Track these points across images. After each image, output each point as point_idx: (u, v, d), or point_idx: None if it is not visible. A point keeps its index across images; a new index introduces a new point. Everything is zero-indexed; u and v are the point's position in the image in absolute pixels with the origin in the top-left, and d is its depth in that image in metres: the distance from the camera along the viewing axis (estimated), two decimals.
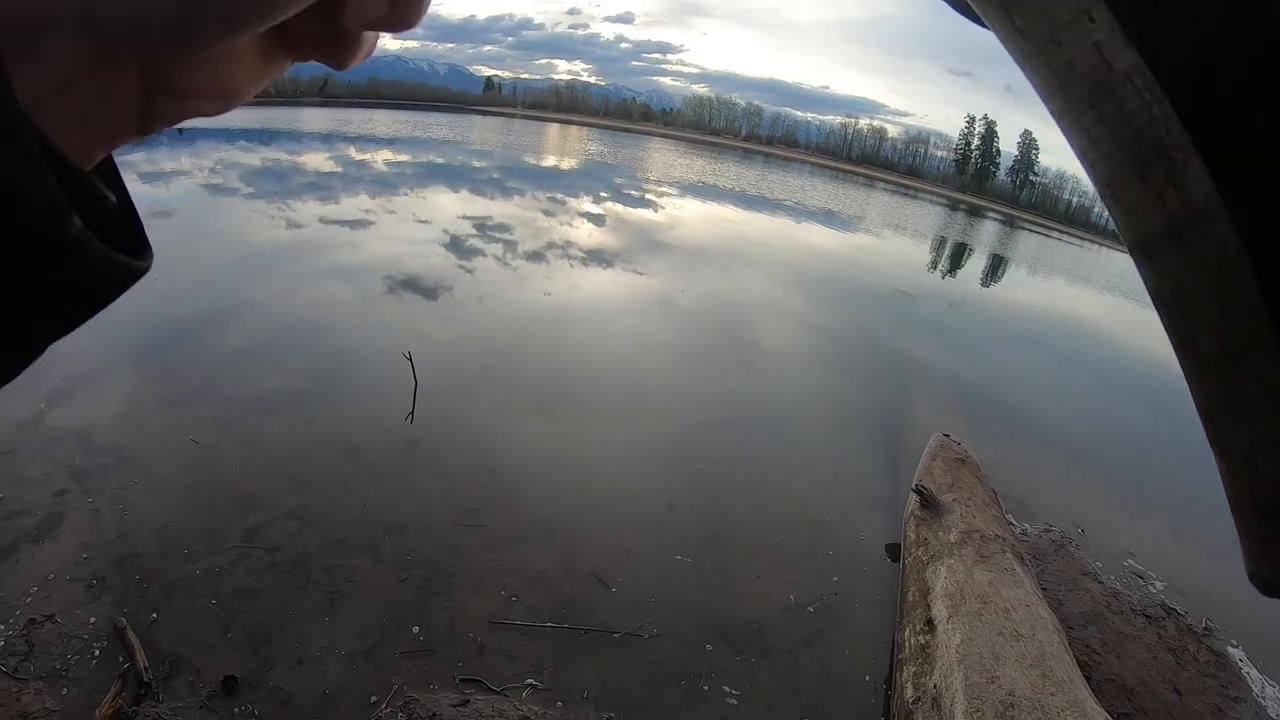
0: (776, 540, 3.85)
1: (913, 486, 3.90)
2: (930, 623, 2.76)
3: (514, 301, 7.82)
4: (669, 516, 3.88)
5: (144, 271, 0.25)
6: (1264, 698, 3.56)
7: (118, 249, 0.23)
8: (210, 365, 4.78)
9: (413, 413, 4.45)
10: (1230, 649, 3.86)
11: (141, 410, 4.10)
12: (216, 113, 0.29)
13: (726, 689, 2.73)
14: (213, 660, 2.56)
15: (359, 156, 16.68)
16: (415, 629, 2.76)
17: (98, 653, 2.55)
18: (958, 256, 24.33)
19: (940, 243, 27.13)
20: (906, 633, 2.89)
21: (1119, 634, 3.74)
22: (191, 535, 3.08)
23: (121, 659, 2.53)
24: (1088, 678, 3.07)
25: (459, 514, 3.49)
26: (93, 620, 2.65)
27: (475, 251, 9.69)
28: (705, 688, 2.71)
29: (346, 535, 3.20)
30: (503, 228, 11.44)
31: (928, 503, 3.71)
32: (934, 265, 20.44)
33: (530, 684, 2.58)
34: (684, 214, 18.09)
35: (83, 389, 4.18)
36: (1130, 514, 5.43)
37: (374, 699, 2.46)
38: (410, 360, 4.56)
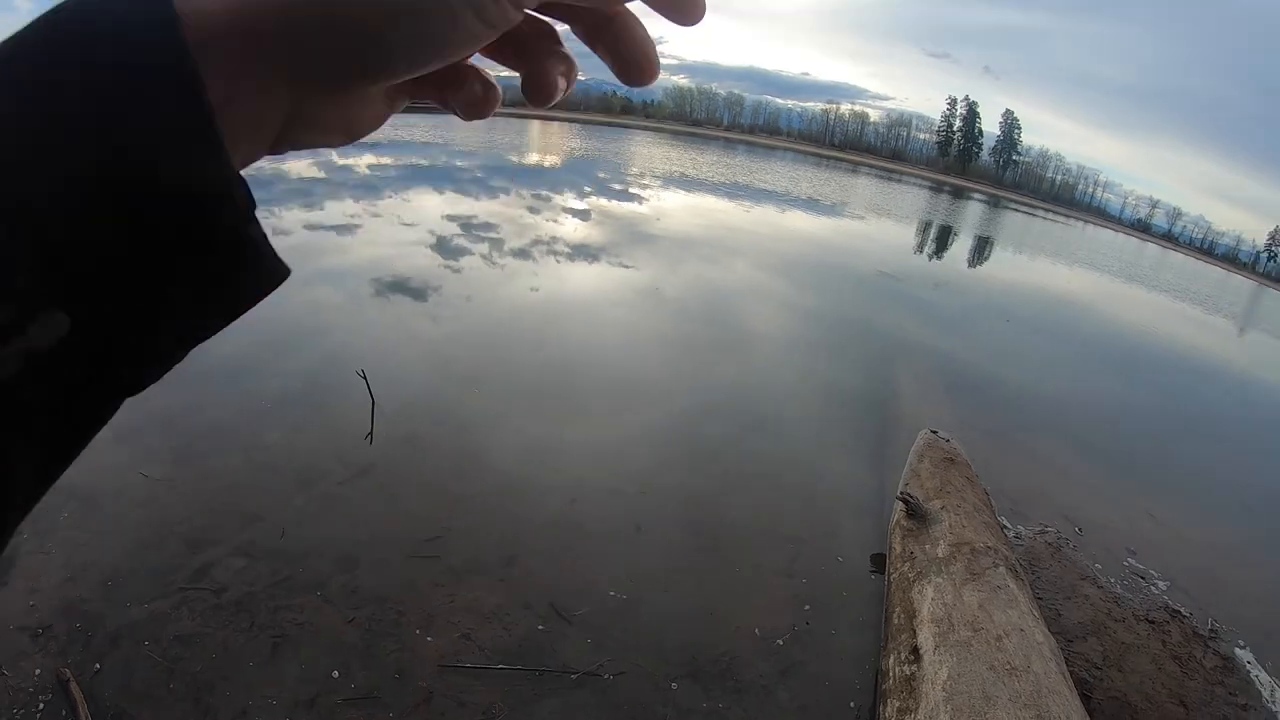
0: (752, 558, 3.77)
1: (898, 495, 3.76)
2: (916, 651, 2.65)
3: (501, 300, 7.75)
4: (637, 538, 3.80)
5: (288, 274, 0.28)
6: (1273, 702, 3.48)
7: None
8: (167, 387, 4.66)
9: (371, 433, 4.35)
10: (1237, 650, 3.80)
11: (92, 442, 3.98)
12: (339, 144, 0.32)
13: None
14: (155, 713, 2.51)
15: (341, 161, 16.41)
16: (360, 675, 2.70)
17: (42, 706, 2.49)
18: (943, 238, 24.28)
19: (925, 225, 27.01)
20: (891, 660, 2.78)
21: (1121, 644, 3.64)
22: (138, 577, 3.02)
23: (64, 713, 2.48)
24: (1088, 697, 2.98)
25: (414, 544, 3.42)
26: (38, 672, 2.60)
27: (461, 251, 9.59)
28: None
29: (294, 572, 3.13)
30: (488, 226, 11.35)
31: (914, 512, 3.56)
32: (919, 248, 20.35)
33: None
34: (668, 205, 17.92)
35: None
36: (1129, 507, 5.32)
37: None
38: (364, 378, 4.44)
